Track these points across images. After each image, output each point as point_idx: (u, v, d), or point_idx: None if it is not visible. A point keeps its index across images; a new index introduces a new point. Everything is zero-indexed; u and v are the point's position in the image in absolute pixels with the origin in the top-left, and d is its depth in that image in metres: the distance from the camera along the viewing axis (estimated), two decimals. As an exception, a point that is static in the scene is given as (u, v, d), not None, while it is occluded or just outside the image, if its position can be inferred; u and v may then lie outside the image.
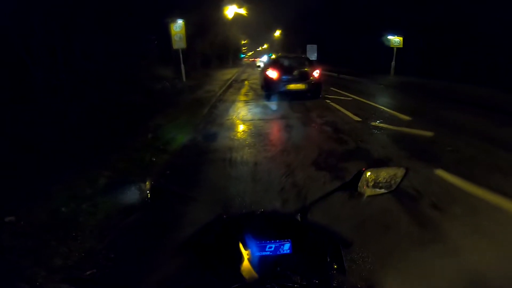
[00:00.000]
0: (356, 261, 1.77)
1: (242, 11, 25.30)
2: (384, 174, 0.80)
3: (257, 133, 5.03)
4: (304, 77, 7.94)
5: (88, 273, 1.84)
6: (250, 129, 5.39)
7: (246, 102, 8.49)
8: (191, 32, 15.52)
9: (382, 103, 7.66)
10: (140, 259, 1.98)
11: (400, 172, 0.81)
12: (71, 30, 8.31)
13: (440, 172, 3.18)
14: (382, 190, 0.80)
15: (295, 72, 7.97)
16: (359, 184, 0.78)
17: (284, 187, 2.97)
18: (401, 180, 0.80)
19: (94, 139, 4.37)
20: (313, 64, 8.67)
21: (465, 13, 12.59)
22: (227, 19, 25.95)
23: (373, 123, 5.55)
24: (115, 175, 3.20)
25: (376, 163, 3.57)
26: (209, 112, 6.81)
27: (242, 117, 6.42)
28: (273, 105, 7.64)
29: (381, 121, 5.71)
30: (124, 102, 7.91)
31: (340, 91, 9.98)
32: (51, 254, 1.94)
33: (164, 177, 3.36)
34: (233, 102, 8.52)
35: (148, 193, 0.79)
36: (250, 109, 7.38)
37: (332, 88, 10.67)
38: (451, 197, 2.69)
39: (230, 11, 25.19)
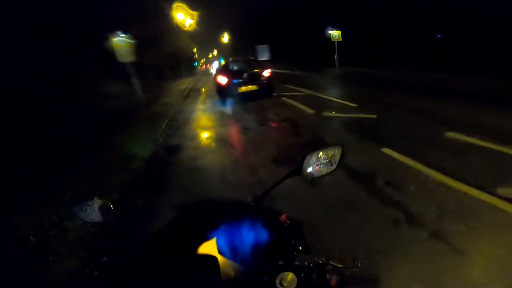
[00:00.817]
0: (320, 238, 2.02)
1: (190, 20, 25.01)
2: (323, 155, 0.86)
3: (218, 139, 5.16)
4: (255, 78, 8.18)
5: None
6: (211, 135, 5.50)
7: (204, 110, 8.55)
8: (139, 44, 14.98)
9: (331, 94, 8.29)
10: (123, 274, 2.02)
11: (337, 150, 0.87)
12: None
13: (386, 150, 3.63)
14: (325, 170, 0.86)
15: (245, 75, 8.19)
16: (303, 169, 0.84)
17: (251, 185, 3.15)
18: (341, 158, 0.86)
19: (50, 166, 4.14)
20: (262, 65, 8.94)
21: (393, 4, 14.10)
22: (177, 28, 25.52)
23: (326, 114, 6.00)
24: (78, 199, 3.11)
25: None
26: (168, 125, 6.75)
27: (203, 126, 6.49)
28: (230, 110, 7.82)
29: (332, 110, 6.20)
30: (71, 124, 7.42)
31: (294, 87, 10.49)
32: (36, 277, 1.99)
33: (128, 195, 3.32)
34: (192, 111, 8.51)
35: (109, 209, 0.81)
36: (209, 116, 7.48)
37: (286, 85, 11.15)
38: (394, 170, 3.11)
39: (180, 18, 24.81)
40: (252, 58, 9.95)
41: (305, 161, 0.85)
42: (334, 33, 15.04)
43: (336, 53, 15.37)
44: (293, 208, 2.46)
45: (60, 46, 9.88)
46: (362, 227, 2.20)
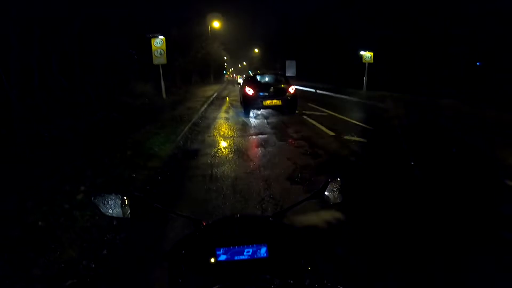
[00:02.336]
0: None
1: (217, 24, 25.78)
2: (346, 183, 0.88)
3: (237, 149, 5.21)
4: (280, 93, 8.31)
5: (68, 283, 1.87)
6: (230, 145, 5.57)
7: (227, 119, 8.71)
8: (172, 47, 15.56)
9: (355, 117, 8.17)
10: (121, 270, 2.06)
11: (337, 183, 0.88)
12: (49, 43, 8.13)
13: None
14: (340, 200, 0.88)
15: (272, 89, 8.34)
16: (325, 193, 0.87)
17: (263, 198, 3.14)
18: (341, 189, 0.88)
19: (69, 157, 4.35)
20: (288, 81, 9.10)
21: (430, 28, 13.80)
22: (209, 35, 26.34)
23: (346, 137, 5.91)
24: (93, 190, 3.24)
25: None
26: (190, 129, 6.92)
27: (223, 134, 6.59)
28: (252, 121, 7.93)
29: (353, 134, 6.10)
30: (99, 119, 7.82)
31: (317, 107, 10.47)
32: (29, 265, 1.95)
33: (144, 192, 3.42)
34: (214, 119, 8.70)
35: (128, 205, 0.81)
36: (231, 126, 7.60)
37: (309, 104, 11.18)
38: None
39: (213, 24, 25.66)
40: (280, 73, 10.11)
41: (328, 186, 0.87)
42: (366, 55, 14.90)
43: (365, 75, 15.17)
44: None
45: (106, 44, 10.52)
46: None
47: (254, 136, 6.26)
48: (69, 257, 2.09)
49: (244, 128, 7.24)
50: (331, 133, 6.31)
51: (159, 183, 3.77)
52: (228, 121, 8.22)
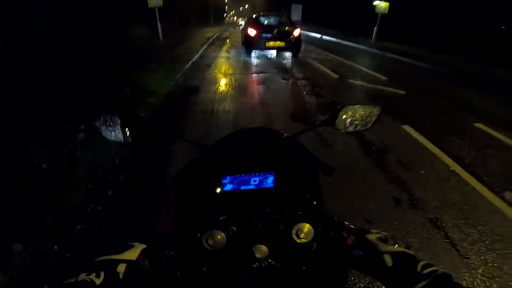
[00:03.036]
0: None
1: None
2: (361, 111, 0.82)
3: (238, 86, 5.07)
4: (283, 35, 8.16)
5: (78, 227, 1.86)
6: (231, 82, 5.41)
7: (228, 58, 8.33)
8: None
9: (362, 64, 7.81)
10: (126, 211, 2.04)
11: (376, 110, 0.83)
12: None
13: (407, 128, 3.46)
14: (359, 127, 0.83)
15: (275, 31, 8.18)
16: (337, 120, 0.81)
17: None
18: (377, 118, 0.82)
19: (66, 98, 4.20)
20: (294, 24, 8.88)
21: None
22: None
23: (351, 81, 5.71)
24: (93, 129, 3.19)
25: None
26: (190, 68, 6.66)
27: (224, 71, 6.36)
28: (255, 61, 7.62)
29: (359, 79, 5.89)
30: (95, 61, 7.52)
31: (323, 51, 9.95)
32: (39, 212, 1.92)
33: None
34: (215, 58, 8.32)
35: (131, 127, 0.76)
36: (232, 64, 7.30)
37: (316, 48, 10.61)
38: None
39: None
40: (284, 15, 9.58)
41: (341, 113, 0.81)
42: (381, 4, 13.64)
43: (377, 25, 14.12)
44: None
45: None
46: (364, 198, 2.15)
47: (256, 74, 6.04)
48: (76, 201, 2.05)
49: (246, 67, 6.96)
50: (336, 76, 6.08)
51: (159, 119, 3.73)
52: (229, 60, 7.88)
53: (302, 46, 8.83)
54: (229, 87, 5.09)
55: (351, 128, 0.83)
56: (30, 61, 6.67)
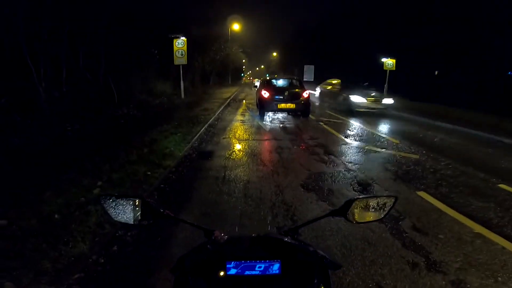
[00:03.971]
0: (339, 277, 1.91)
1: (237, 27, 26.12)
2: (374, 203, 0.81)
3: (251, 153, 5.19)
4: (294, 97, 8.54)
5: (75, 276, 1.89)
6: (244, 148, 5.56)
7: (243, 121, 8.73)
8: (192, 48, 15.79)
9: (372, 126, 7.97)
10: (128, 269, 2.07)
11: (389, 201, 0.82)
12: (77, 37, 8.40)
13: (422, 194, 3.41)
14: (371, 218, 0.82)
15: (286, 93, 8.60)
16: (348, 212, 0.80)
17: (275, 204, 3.11)
18: (390, 209, 0.81)
19: (88, 151, 4.48)
20: (303, 85, 9.40)
21: (455, 40, 13.22)
22: (229, 37, 26.65)
23: (363, 146, 5.77)
24: (109, 185, 3.33)
25: (362, 185, 3.73)
26: (206, 130, 6.99)
27: (238, 137, 6.60)
28: (267, 126, 7.94)
29: (369, 143, 5.95)
30: (120, 116, 8.07)
31: (334, 114, 10.31)
32: (40, 257, 1.99)
33: (158, 191, 3.47)
34: (230, 121, 8.74)
35: (139, 210, 0.80)
36: (246, 129, 7.60)
37: (327, 111, 11.03)
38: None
39: (232, 27, 25.99)
40: (295, 78, 10.29)
41: (353, 205, 0.80)
42: (388, 62, 14.49)
43: (386, 82, 14.79)
44: (317, 244, 2.36)
45: (129, 41, 10.78)
46: (376, 265, 2.07)
47: (268, 141, 6.22)
48: (79, 251, 2.13)
49: (259, 132, 7.22)
50: (348, 140, 6.19)
51: (173, 181, 3.81)
52: (244, 124, 8.23)
53: (313, 108, 9.31)
54: (242, 153, 5.22)
55: (363, 219, 0.82)
56: (64, 108, 7.21)
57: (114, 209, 0.80)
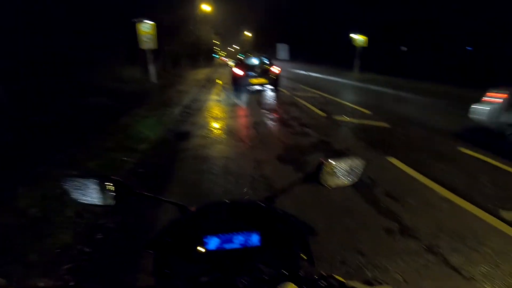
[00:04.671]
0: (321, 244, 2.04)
1: (207, 7, 25.11)
2: (344, 165, 0.80)
3: (228, 131, 5.21)
4: (265, 73, 9.45)
5: (65, 267, 1.88)
6: (222, 126, 5.56)
7: (218, 101, 8.64)
8: (161, 31, 15.02)
9: (346, 99, 8.22)
10: (115, 255, 2.07)
11: (360, 162, 0.81)
12: (36, 30, 7.81)
13: (392, 160, 3.65)
14: (345, 183, 0.81)
15: (258, 69, 9.45)
16: (321, 175, 0.78)
17: (255, 179, 3.20)
18: (361, 172, 0.81)
19: (60, 142, 4.28)
20: (272, 62, 10.20)
21: (428, 16, 13.68)
22: (200, 19, 25.58)
23: (337, 118, 5.97)
24: (72, 175, 3.22)
25: (336, 154, 3.92)
26: (181, 112, 6.86)
27: (215, 116, 6.56)
28: (243, 103, 7.93)
29: (344, 115, 6.16)
30: (90, 105, 7.69)
31: (308, 88, 10.46)
32: (25, 251, 1.97)
33: (136, 175, 3.43)
34: (206, 101, 8.62)
35: (108, 190, 0.72)
36: (222, 108, 7.55)
37: (302, 86, 11.14)
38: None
39: (202, 8, 24.94)
40: (265, 56, 10.79)
41: (324, 168, 0.79)
42: (358, 38, 14.77)
43: (356, 58, 15.13)
44: (295, 211, 2.49)
45: (90, 29, 10.13)
46: (354, 232, 2.21)
47: (245, 119, 6.24)
48: (63, 242, 2.10)
49: (236, 110, 7.20)
50: (322, 114, 6.35)
51: (151, 165, 3.77)
52: (220, 104, 8.16)
53: (289, 84, 9.59)
54: (220, 131, 5.22)
55: (336, 183, 0.81)
56: (28, 101, 6.75)
57: (80, 191, 0.73)
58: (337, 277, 0.55)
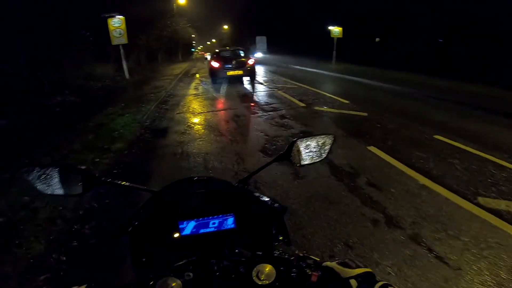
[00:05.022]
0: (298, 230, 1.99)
1: (183, 0, 24.50)
2: (314, 143, 0.81)
3: (207, 125, 5.05)
4: (241, 65, 9.74)
5: (42, 278, 1.76)
6: (200, 121, 5.38)
7: (196, 95, 8.38)
8: (135, 26, 14.40)
9: (324, 89, 8.25)
10: (93, 261, 1.94)
11: (328, 139, 0.82)
12: None
13: (372, 149, 3.66)
14: (314, 159, 0.82)
15: (234, 62, 9.73)
16: (292, 154, 0.80)
17: (238, 173, 3.10)
18: (330, 147, 0.82)
19: (23, 146, 3.95)
20: (248, 55, 10.62)
21: (396, 8, 14.04)
22: (176, 12, 24.87)
23: (317, 108, 5.96)
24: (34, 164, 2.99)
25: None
26: (157, 108, 6.58)
27: (193, 110, 6.34)
28: (221, 97, 7.75)
29: (323, 105, 6.16)
30: (54, 105, 7.23)
31: (287, 80, 10.42)
32: None
33: (111, 176, 3.22)
34: (183, 96, 8.34)
35: (73, 179, 0.69)
36: (200, 102, 7.33)
37: (282, 78, 11.08)
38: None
39: (178, 1, 24.27)
40: (240, 48, 11.29)
41: (294, 146, 0.80)
42: (335, 30, 14.95)
43: (335, 49, 15.31)
44: (275, 195, 2.41)
45: (49, 26, 9.52)
46: (340, 224, 2.17)
47: (225, 111, 6.09)
48: (37, 252, 1.95)
49: (215, 104, 7.02)
50: (302, 104, 6.32)
51: (127, 165, 3.56)
52: (198, 98, 7.92)
53: (269, 76, 9.68)
54: (199, 126, 5.05)
55: (307, 161, 0.82)
56: None
57: (43, 181, 0.68)
58: (313, 257, 0.55)
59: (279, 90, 8.35)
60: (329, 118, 5.22)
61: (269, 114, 5.57)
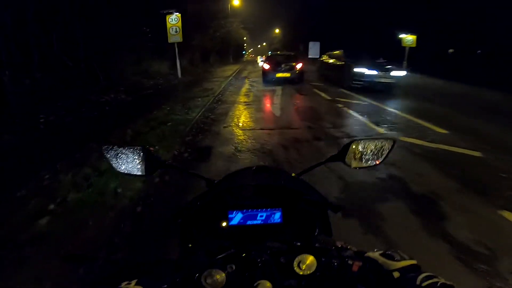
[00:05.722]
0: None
1: (237, 2, 24.56)
2: (372, 146, 0.80)
3: (259, 149, 4.03)
4: (290, 69, 10.62)
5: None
6: (251, 142, 4.36)
7: (247, 104, 7.47)
8: (190, 25, 14.45)
9: (402, 109, 6.67)
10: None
11: (388, 144, 0.81)
12: (49, 20, 7.37)
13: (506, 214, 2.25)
14: (369, 163, 0.80)
15: (283, 65, 10.66)
16: (346, 156, 0.79)
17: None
18: (388, 152, 0.80)
19: (68, 143, 3.80)
20: (298, 59, 11.24)
21: (479, 16, 11.87)
22: (230, 14, 25.05)
23: (402, 138, 4.56)
24: (63, 210, 2.39)
25: (418, 202, 2.61)
26: (203, 117, 5.82)
27: (242, 125, 5.40)
28: (276, 108, 6.72)
29: (407, 133, 4.73)
30: (105, 102, 7.01)
31: (348, 92, 8.97)
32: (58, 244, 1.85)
33: (133, 217, 2.41)
34: (232, 103, 7.53)
35: (142, 160, 0.76)
36: (251, 113, 6.37)
37: (340, 89, 9.66)
38: None
39: (232, 2, 24.42)
40: (292, 53, 11.95)
41: (350, 148, 0.79)
42: (407, 38, 13.16)
43: (405, 59, 13.44)
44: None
45: (111, 17, 9.66)
46: None
47: (281, 130, 5.00)
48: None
49: (268, 118, 6.00)
50: (379, 129, 4.99)
51: (156, 198, 2.73)
52: (248, 108, 6.97)
53: (327, 87, 9.54)
54: (249, 149, 4.06)
55: (361, 164, 0.80)
56: (38, 97, 6.23)
57: (117, 159, 0.76)
58: (354, 248, 0.54)
59: (344, 106, 7.00)
60: (426, 159, 3.75)
61: (338, 142, 4.35)
